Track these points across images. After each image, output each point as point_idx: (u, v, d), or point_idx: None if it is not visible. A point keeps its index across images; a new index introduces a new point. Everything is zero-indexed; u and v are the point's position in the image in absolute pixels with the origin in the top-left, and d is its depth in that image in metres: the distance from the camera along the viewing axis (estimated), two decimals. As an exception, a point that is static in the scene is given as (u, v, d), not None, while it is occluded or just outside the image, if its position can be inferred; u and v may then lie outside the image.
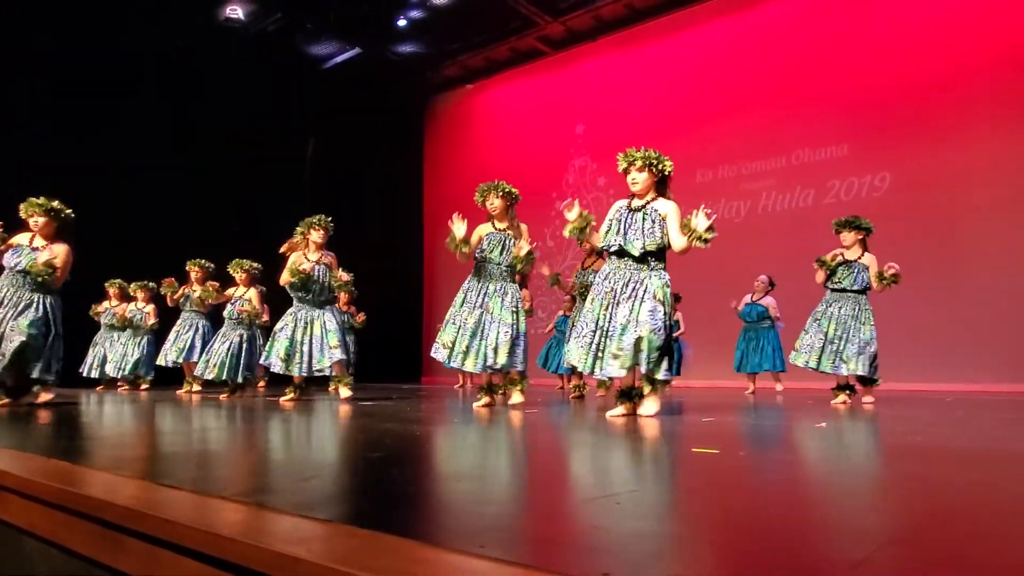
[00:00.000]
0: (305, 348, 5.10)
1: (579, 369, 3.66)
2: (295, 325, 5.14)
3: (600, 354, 3.45)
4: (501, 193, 4.44)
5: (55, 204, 4.51)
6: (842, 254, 5.06)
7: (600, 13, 10.53)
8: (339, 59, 11.39)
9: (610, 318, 3.46)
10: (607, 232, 3.59)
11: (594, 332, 3.49)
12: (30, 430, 3.02)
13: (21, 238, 4.50)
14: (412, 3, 10.14)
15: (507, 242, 4.41)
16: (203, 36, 9.90)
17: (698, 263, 8.49)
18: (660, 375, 3.39)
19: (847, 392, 4.94)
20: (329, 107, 11.51)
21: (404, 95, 12.65)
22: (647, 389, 3.47)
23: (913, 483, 1.73)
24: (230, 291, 6.34)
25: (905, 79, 8.24)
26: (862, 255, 5.01)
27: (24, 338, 4.22)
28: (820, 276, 5.11)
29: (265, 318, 7.82)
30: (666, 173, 3.56)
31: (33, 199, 4.49)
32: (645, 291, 3.42)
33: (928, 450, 2.40)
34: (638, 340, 3.33)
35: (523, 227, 4.53)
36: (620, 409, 3.51)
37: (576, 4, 10.28)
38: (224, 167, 10.19)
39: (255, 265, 6.37)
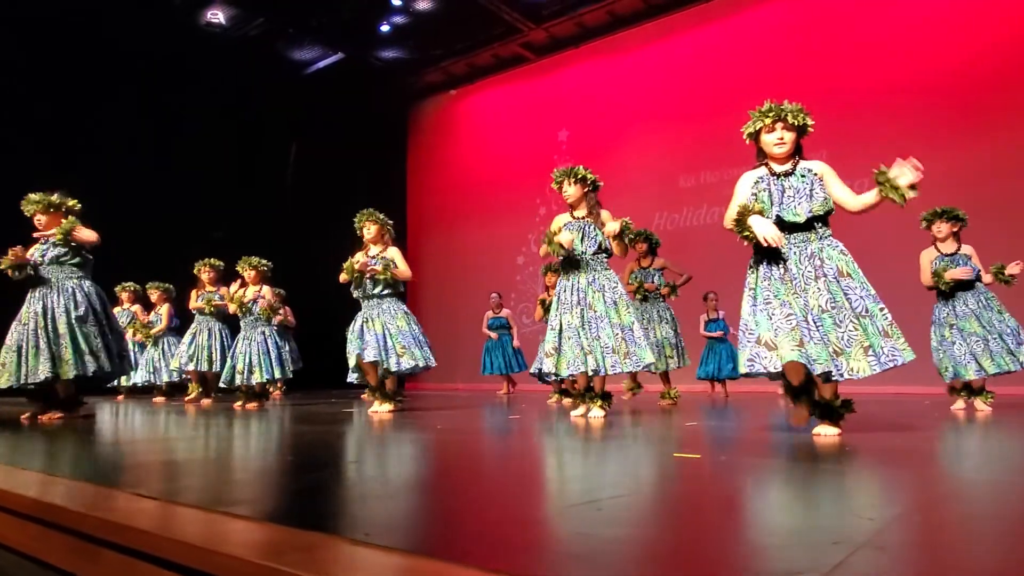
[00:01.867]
0: (370, 337, 4.69)
1: (816, 370, 2.71)
2: (356, 321, 4.84)
3: (817, 345, 2.68)
4: (575, 179, 4.11)
5: (53, 198, 4.33)
6: (939, 252, 4.68)
7: (583, 20, 10.59)
8: (322, 64, 11.34)
9: (809, 305, 2.75)
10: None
11: (790, 318, 2.74)
12: (10, 440, 2.96)
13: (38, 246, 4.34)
14: (395, 8, 10.13)
15: (587, 230, 4.08)
16: (186, 40, 9.81)
17: (686, 268, 8.48)
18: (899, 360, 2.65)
19: (985, 396, 4.47)
20: (312, 112, 11.46)
21: (387, 101, 12.62)
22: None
23: (896, 487, 1.75)
24: (237, 290, 5.94)
25: (882, 85, 8.36)
26: (959, 247, 4.63)
27: (72, 336, 4.09)
28: (927, 279, 4.70)
29: (289, 319, 7.69)
30: (809, 128, 3.01)
31: (31, 196, 4.30)
32: (826, 266, 2.78)
33: (913, 453, 2.43)
34: (885, 326, 2.67)
35: (605, 213, 4.13)
36: (829, 430, 2.72)
37: (559, 11, 10.32)
38: (205, 172, 10.11)
39: (264, 263, 6.05)
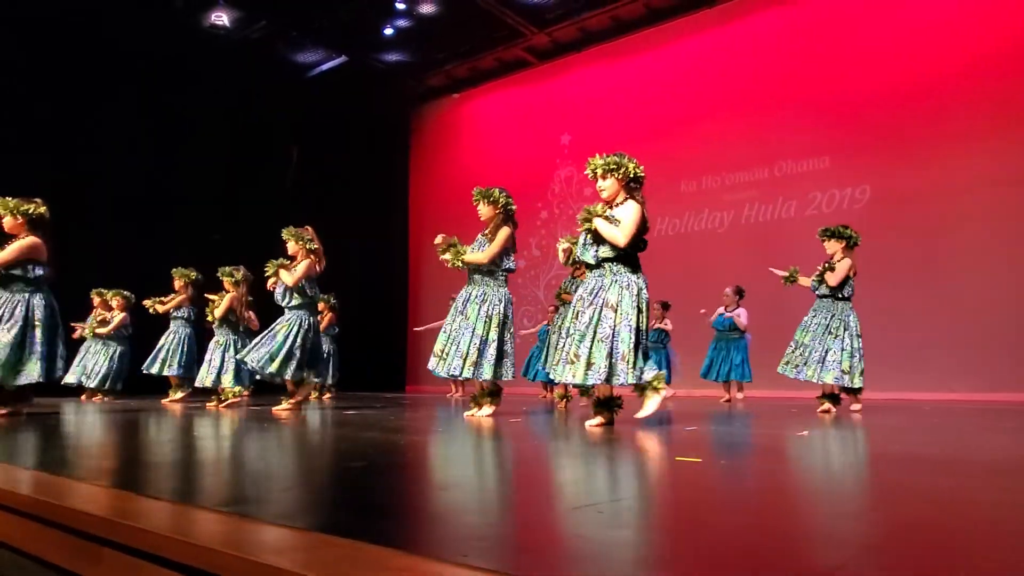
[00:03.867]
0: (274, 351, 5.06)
1: (561, 382, 3.64)
2: (270, 329, 5.16)
3: (564, 359, 3.44)
4: (482, 198, 4.45)
5: (13, 203, 4.34)
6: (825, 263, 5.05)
7: (586, 24, 10.61)
8: (325, 67, 11.37)
9: (576, 326, 3.44)
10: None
11: (561, 339, 3.53)
12: (5, 439, 2.97)
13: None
14: (398, 12, 10.16)
15: (483, 247, 4.40)
16: (188, 42, 9.84)
17: (683, 272, 8.50)
18: (628, 380, 3.30)
19: (832, 401, 4.90)
20: (314, 115, 11.48)
21: (390, 104, 12.65)
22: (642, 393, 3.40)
23: (890, 491, 1.75)
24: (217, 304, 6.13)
25: (884, 91, 8.37)
26: (840, 260, 4.96)
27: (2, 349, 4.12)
28: (804, 282, 5.16)
29: (251, 322, 7.77)
30: (632, 175, 3.50)
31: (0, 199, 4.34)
32: (600, 298, 3.40)
33: (906, 458, 2.43)
34: (592, 349, 3.31)
35: (501, 233, 4.35)
36: (597, 419, 3.46)
37: (562, 15, 10.35)
38: (207, 174, 10.13)
39: (243, 273, 6.15)
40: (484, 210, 4.43)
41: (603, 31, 10.73)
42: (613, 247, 3.40)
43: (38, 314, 4.28)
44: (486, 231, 4.43)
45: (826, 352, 4.84)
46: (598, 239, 3.44)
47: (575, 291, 5.75)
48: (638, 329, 3.32)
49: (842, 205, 8.56)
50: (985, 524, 1.33)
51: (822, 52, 8.92)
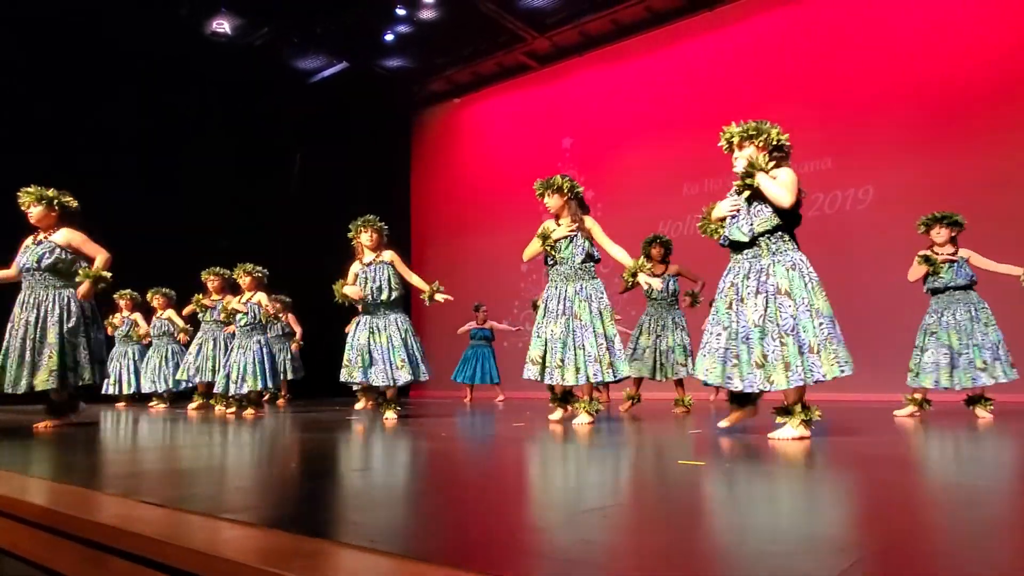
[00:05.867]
0: (377, 355, 4.80)
1: (712, 384, 3.06)
2: (361, 329, 4.90)
3: (736, 362, 2.91)
4: (554, 189, 4.16)
5: (50, 192, 4.25)
6: (934, 252, 4.69)
7: (586, 28, 10.63)
8: (326, 73, 11.41)
9: (737, 319, 2.93)
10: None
11: (719, 336, 2.98)
12: (17, 448, 2.98)
13: (28, 241, 4.26)
14: (399, 18, 10.19)
15: (576, 238, 4.10)
16: (190, 45, 9.86)
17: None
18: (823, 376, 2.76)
19: (985, 404, 4.53)
20: (316, 120, 11.52)
21: (391, 109, 12.68)
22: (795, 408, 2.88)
23: (895, 494, 1.75)
24: (234, 303, 5.96)
25: (886, 92, 8.36)
26: (956, 251, 4.65)
27: (56, 348, 3.95)
28: (916, 273, 4.70)
29: (294, 326, 7.69)
30: (775, 143, 3.04)
31: (27, 188, 4.24)
32: (768, 283, 2.90)
33: (908, 460, 2.42)
34: (783, 346, 2.79)
35: (587, 219, 4.16)
36: (783, 433, 2.90)
37: (562, 20, 10.37)
38: (211, 181, 10.15)
39: (260, 269, 6.06)
40: (552, 201, 4.16)
41: (604, 35, 10.74)
42: (771, 217, 2.92)
43: (82, 311, 4.15)
44: (566, 221, 4.13)
45: (997, 345, 4.45)
46: (755, 211, 2.95)
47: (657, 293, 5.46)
48: (820, 314, 2.81)
49: (845, 206, 8.54)
50: (990, 529, 1.33)
51: (823, 53, 8.91)
